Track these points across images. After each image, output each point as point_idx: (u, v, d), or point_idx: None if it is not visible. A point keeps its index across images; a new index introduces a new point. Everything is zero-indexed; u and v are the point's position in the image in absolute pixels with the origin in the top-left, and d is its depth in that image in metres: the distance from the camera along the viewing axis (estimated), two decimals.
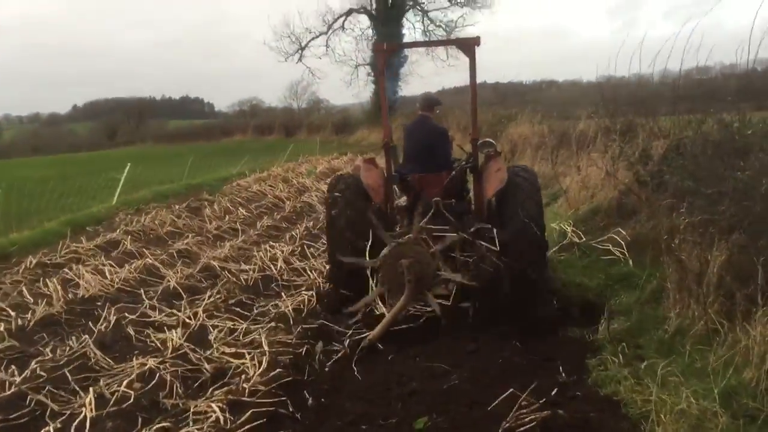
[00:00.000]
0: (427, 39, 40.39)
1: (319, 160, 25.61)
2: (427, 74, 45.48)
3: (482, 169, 6.52)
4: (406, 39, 40.31)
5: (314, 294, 6.84)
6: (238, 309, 6.63)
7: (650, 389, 4.12)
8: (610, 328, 5.29)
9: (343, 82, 49.82)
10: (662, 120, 9.81)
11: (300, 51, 43.53)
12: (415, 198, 6.76)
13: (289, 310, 6.36)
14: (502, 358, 4.92)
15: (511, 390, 4.10)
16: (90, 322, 6.32)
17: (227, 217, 12.37)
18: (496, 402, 4.07)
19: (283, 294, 7.14)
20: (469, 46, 6.35)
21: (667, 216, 7.52)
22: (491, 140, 6.97)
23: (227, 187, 16.64)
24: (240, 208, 13.32)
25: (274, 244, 9.70)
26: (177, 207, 13.42)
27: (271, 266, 8.20)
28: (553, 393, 4.29)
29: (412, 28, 45.96)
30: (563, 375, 4.61)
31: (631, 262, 7.38)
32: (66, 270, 8.10)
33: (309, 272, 7.95)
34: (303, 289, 7.28)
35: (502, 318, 5.63)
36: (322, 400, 4.61)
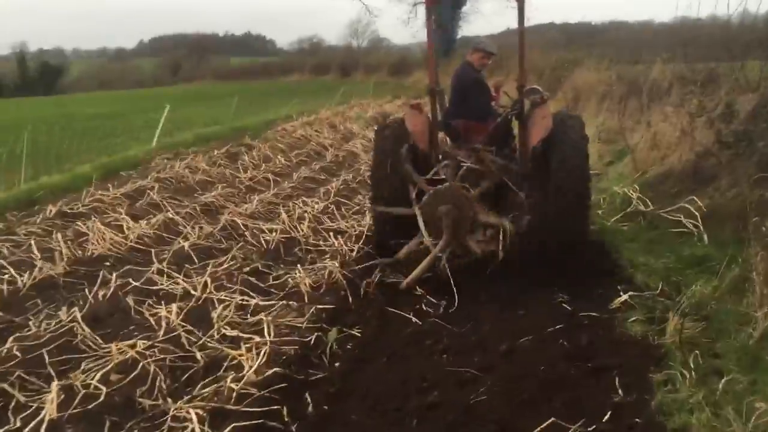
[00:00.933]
0: None
1: (370, 104, 24.64)
2: (488, 14, 43.24)
3: (528, 116, 6.24)
4: None
5: (338, 265, 6.04)
6: (252, 279, 5.93)
7: (732, 426, 3.23)
8: (681, 328, 4.33)
9: (400, 21, 47.99)
10: (750, 68, 8.53)
11: None
12: (459, 145, 6.63)
13: (305, 284, 5.62)
14: (543, 363, 4.06)
15: (552, 419, 3.28)
16: (89, 288, 5.72)
17: (263, 165, 11.66)
18: None
19: (303, 263, 6.39)
20: None
21: (753, 187, 6.45)
22: (538, 87, 6.59)
23: (271, 132, 15.92)
24: (279, 156, 12.61)
25: (306, 199, 8.95)
26: (216, 152, 12.80)
27: (298, 227, 7.45)
28: (606, 418, 3.45)
29: None
30: (620, 392, 3.74)
31: (706, 238, 6.37)
32: (79, 223, 7.53)
33: (337, 237, 7.14)
34: (327, 257, 6.51)
35: (541, 272, 5.52)
36: (325, 407, 3.86)
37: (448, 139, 7.12)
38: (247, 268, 6.17)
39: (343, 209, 8.47)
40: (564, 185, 5.51)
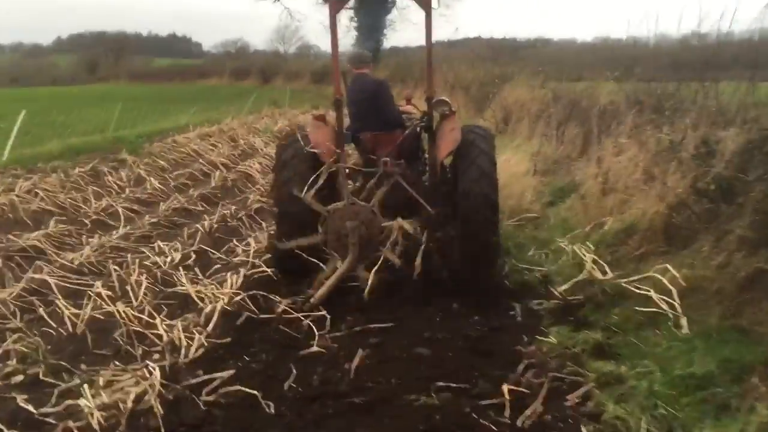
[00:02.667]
0: None
1: (284, 114, 22.55)
2: (418, 21, 41.74)
3: (436, 129, 6.21)
4: None
5: (159, 376, 3.94)
6: (20, 398, 3.78)
7: None
8: None
9: (323, 27, 46.04)
10: (725, 91, 6.98)
11: None
12: (367, 158, 6.40)
13: (94, 418, 3.50)
14: None
15: None
16: None
17: (128, 190, 9.41)
18: None
19: (111, 365, 4.23)
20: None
21: (747, 254, 4.82)
22: (446, 99, 6.47)
23: (157, 145, 13.66)
24: (154, 177, 10.37)
25: (163, 244, 6.81)
26: (77, 170, 10.48)
27: (132, 292, 5.32)
28: None
29: None
30: None
31: (685, 324, 4.66)
32: None
33: (179, 316, 5.03)
34: (156, 351, 4.41)
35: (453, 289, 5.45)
36: None
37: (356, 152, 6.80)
38: (20, 377, 4.01)
39: (204, 261, 6.36)
40: (472, 195, 5.39)
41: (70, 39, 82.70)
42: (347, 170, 6.22)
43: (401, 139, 6.27)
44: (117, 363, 4.23)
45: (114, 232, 7.33)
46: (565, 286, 5.45)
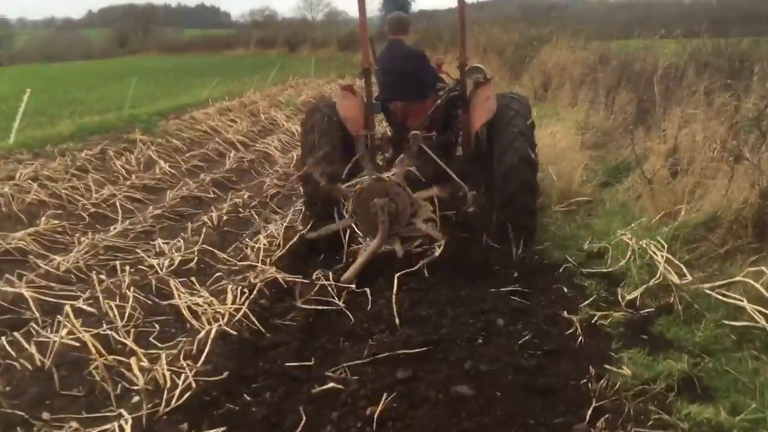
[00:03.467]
0: None
1: (309, 84, 21.60)
2: None
3: (470, 97, 5.92)
4: None
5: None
6: None
7: None
8: None
9: None
10: None
11: None
12: (397, 128, 6.27)
13: None
14: None
15: None
16: None
17: (134, 176, 8.61)
18: None
19: (83, 410, 3.42)
20: None
21: None
22: (480, 66, 6.19)
23: (173, 122, 12.86)
24: (164, 160, 9.58)
25: (163, 243, 6.01)
26: (84, 153, 9.77)
27: (114, 311, 4.51)
28: None
29: None
30: None
31: None
32: None
33: (172, 338, 4.22)
34: (134, 394, 3.59)
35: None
36: None
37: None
38: None
39: (208, 264, 5.54)
40: (509, 172, 5.22)
41: (101, 13, 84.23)
42: (377, 142, 6.16)
43: (433, 109, 6.03)
44: (86, 411, 3.43)
45: (111, 228, 6.54)
46: (635, 293, 4.50)
